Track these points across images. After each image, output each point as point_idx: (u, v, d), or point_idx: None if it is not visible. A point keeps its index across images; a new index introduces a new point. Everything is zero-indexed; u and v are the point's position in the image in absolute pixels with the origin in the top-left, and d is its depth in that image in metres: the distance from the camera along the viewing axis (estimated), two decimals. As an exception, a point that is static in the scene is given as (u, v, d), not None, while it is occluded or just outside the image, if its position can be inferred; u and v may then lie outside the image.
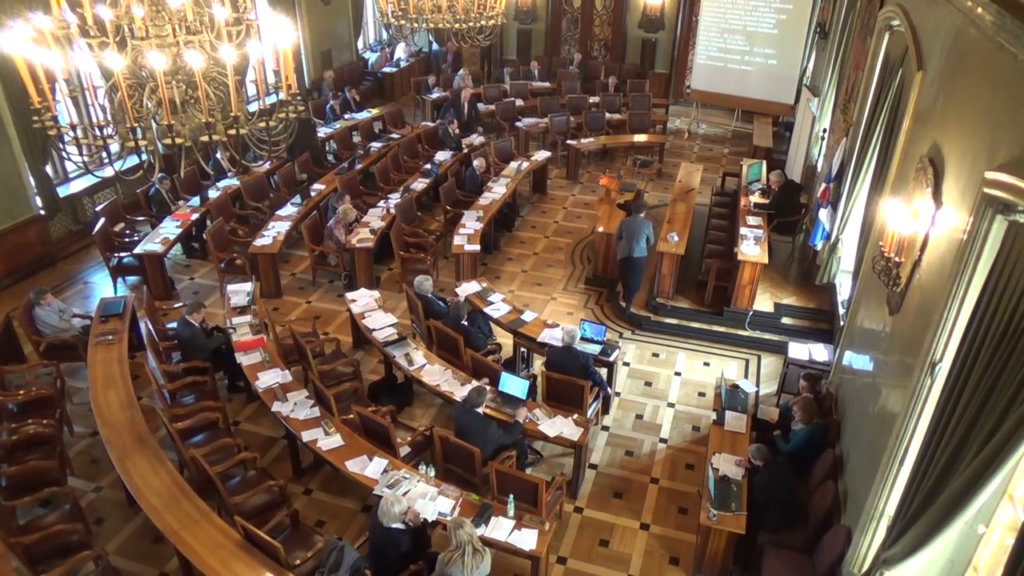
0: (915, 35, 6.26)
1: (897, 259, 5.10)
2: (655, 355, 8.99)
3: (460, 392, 7.06)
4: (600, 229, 10.22)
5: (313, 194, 11.30)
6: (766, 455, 6.11)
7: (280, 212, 10.75)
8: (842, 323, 7.74)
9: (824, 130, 11.41)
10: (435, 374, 7.41)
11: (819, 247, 8.97)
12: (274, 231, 10.10)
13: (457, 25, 9.45)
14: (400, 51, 19.05)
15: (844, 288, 8.51)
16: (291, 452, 6.99)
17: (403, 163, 13.01)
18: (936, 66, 5.50)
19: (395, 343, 7.83)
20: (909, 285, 4.99)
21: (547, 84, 17.41)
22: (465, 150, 13.43)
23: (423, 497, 5.85)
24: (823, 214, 8.86)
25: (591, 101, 16.01)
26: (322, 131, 13.81)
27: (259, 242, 9.84)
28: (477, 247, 9.98)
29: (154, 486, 5.82)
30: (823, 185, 9.18)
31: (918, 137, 5.71)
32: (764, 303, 9.40)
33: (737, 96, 15.98)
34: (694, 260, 10.24)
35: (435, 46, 19.78)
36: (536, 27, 19.14)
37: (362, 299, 8.63)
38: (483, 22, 9.60)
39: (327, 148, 13.79)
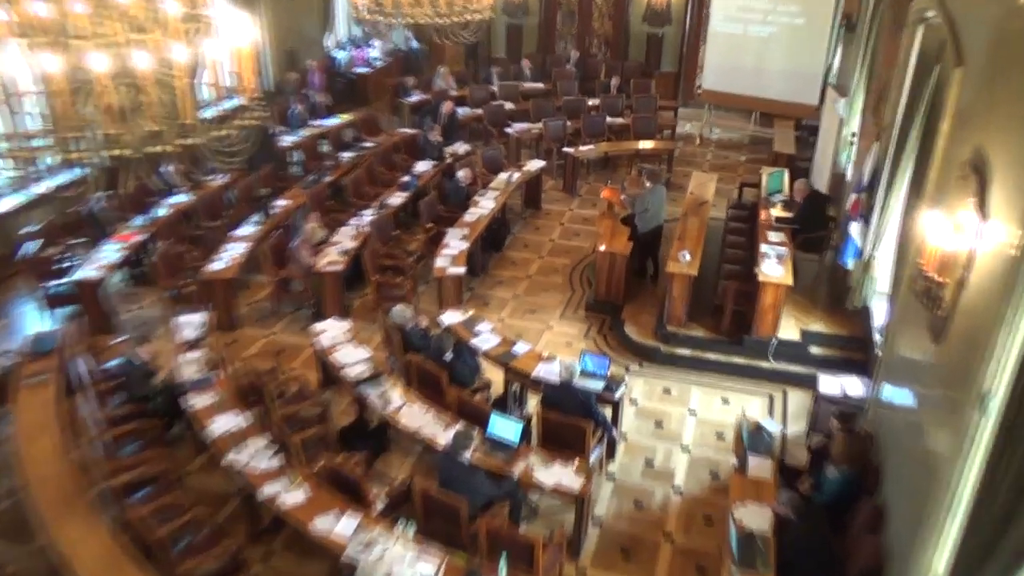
0: (953, 27, 6.33)
1: (939, 279, 5.10)
2: (666, 391, 8.95)
3: (443, 437, 6.99)
4: (602, 248, 10.22)
5: (275, 211, 11.30)
6: (798, 505, 6.06)
7: (238, 232, 10.73)
8: (879, 352, 7.73)
9: (853, 134, 11.50)
10: (415, 416, 7.34)
11: (851, 266, 9.00)
12: (231, 254, 10.07)
13: (439, 20, 9.53)
14: (376, 50, 19.21)
15: (880, 312, 8.52)
16: (248, 509, 6.88)
17: (378, 175, 13.04)
18: (977, 61, 5.54)
19: (369, 381, 7.77)
20: (954, 308, 4.98)
21: (540, 85, 17.58)
22: (448, 160, 13.49)
23: (400, 561, 5.75)
24: (854, 228, 8.90)
25: (590, 104, 16.14)
26: (286, 139, 13.86)
27: (214, 266, 9.80)
28: (462, 269, 9.96)
29: (91, 549, 5.70)
30: (853, 196, 9.23)
31: (959, 141, 5.74)
32: (789, 330, 9.40)
33: (754, 96, 16.14)
34: (709, 282, 10.25)
35: (414, 44, 19.96)
36: (528, 22, 19.35)
37: (331, 331, 8.59)
38: (468, 16, 9.69)
39: (292, 159, 13.81)
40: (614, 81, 16.87)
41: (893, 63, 8.97)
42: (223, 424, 7.08)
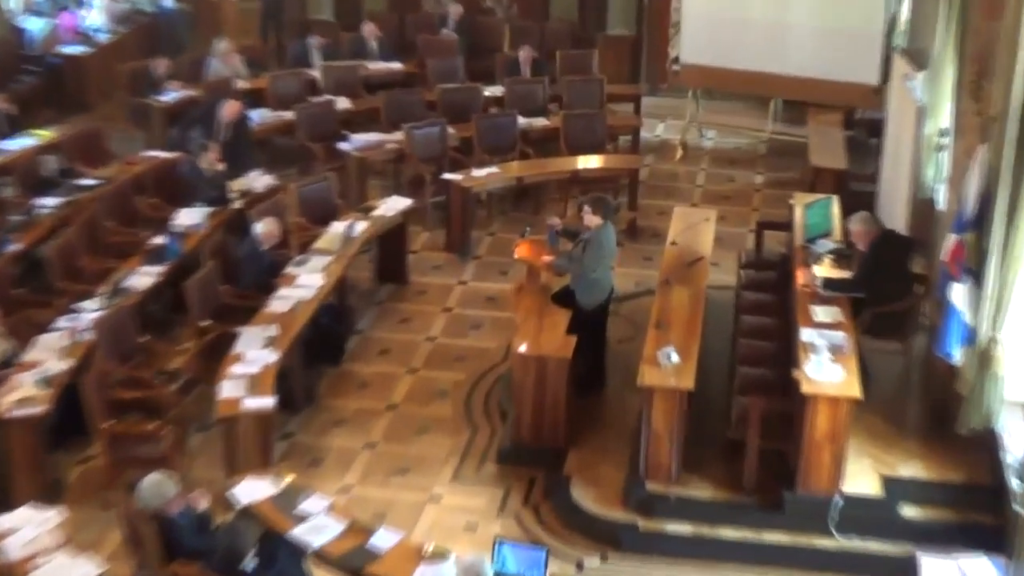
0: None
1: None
2: (653, 602, 8.93)
3: None
4: (523, 349, 10.27)
5: (-87, 310, 11.01)
6: None
7: None
8: (1019, 510, 7.86)
9: (942, 132, 11.93)
10: None
11: (958, 359, 9.18)
12: None
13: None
14: (97, 14, 19.25)
15: (1015, 438, 8.69)
16: None
17: (108, 236, 12.93)
18: None
19: (101, 619, 7.55)
20: None
21: (397, 66, 17.89)
22: (236, 203, 13.45)
23: None
24: (958, 293, 9.11)
25: (487, 95, 16.46)
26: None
27: None
28: (270, 401, 9.84)
29: None
30: (953, 237, 9.47)
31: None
32: (863, 478, 9.53)
33: (771, 74, 16.54)
34: (715, 399, 10.42)
35: (167, 2, 20.09)
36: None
37: (24, 529, 8.29)
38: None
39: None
40: (526, 55, 17.19)
41: (998, 12, 9.38)
42: None
